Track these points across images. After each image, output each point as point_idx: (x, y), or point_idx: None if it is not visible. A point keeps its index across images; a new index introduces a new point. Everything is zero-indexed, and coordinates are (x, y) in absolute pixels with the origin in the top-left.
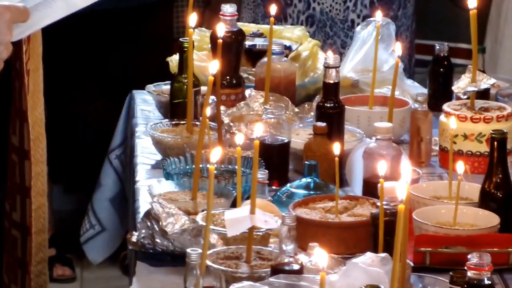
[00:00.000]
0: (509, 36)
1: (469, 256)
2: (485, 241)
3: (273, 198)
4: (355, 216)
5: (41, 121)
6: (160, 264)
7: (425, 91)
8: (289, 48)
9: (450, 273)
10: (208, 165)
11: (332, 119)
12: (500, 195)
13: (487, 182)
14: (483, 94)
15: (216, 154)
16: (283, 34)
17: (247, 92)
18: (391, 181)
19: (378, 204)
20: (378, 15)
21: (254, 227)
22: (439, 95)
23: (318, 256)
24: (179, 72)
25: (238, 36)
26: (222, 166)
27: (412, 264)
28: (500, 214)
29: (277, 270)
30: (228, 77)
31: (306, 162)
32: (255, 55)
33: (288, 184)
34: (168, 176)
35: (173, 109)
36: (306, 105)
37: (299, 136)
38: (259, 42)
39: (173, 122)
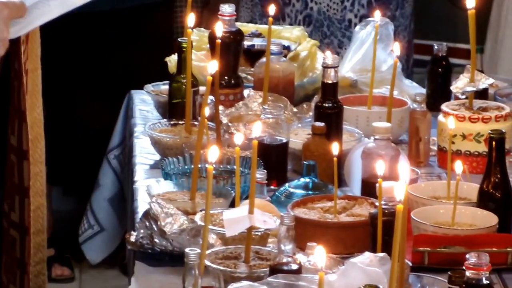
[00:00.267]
0: (509, 36)
1: (467, 256)
2: (484, 241)
3: (271, 198)
4: (353, 216)
5: (40, 121)
6: (158, 264)
7: (424, 91)
8: (287, 48)
9: (449, 273)
10: (206, 165)
11: (330, 119)
12: (499, 195)
13: (485, 182)
14: (482, 94)
15: (213, 153)
16: (282, 34)
17: (246, 92)
18: (390, 181)
19: (377, 204)
20: (377, 15)
21: (253, 227)
22: (438, 95)
23: (317, 256)
24: (177, 72)
25: (236, 36)
26: (221, 166)
27: (410, 264)
28: (498, 214)
29: (275, 270)
30: (226, 77)
31: (304, 162)
32: (254, 55)
33: (287, 184)
34: (166, 176)
35: (172, 109)
36: (304, 105)
37: (298, 136)
38: (257, 42)
39: (172, 122)
